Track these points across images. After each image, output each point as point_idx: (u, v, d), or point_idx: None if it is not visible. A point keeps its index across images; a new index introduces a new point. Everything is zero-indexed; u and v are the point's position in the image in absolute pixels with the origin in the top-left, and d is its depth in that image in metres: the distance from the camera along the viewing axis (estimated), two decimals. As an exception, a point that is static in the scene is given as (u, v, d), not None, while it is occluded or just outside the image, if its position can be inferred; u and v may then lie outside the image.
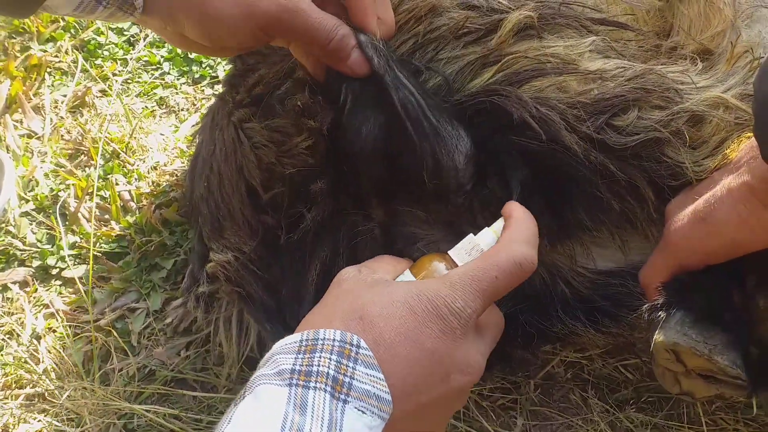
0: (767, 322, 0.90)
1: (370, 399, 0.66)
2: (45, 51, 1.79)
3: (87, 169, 1.58)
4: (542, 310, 1.04)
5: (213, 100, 1.60)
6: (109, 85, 1.74)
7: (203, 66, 1.80)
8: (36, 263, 1.44)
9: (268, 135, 0.99)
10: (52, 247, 1.46)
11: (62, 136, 1.64)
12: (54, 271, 1.44)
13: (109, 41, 1.84)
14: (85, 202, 1.50)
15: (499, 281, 0.76)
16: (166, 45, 1.85)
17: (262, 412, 0.63)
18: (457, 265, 0.82)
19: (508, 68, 0.95)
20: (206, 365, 1.29)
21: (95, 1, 0.80)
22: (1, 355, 1.31)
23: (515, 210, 0.85)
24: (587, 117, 0.92)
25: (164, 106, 1.74)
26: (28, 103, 1.68)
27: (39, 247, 1.46)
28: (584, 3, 1.06)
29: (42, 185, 1.54)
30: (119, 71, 1.79)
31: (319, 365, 0.66)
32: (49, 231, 1.49)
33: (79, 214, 1.48)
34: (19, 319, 1.36)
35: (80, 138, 1.63)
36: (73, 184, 1.54)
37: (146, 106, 1.72)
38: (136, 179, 1.57)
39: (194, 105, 1.73)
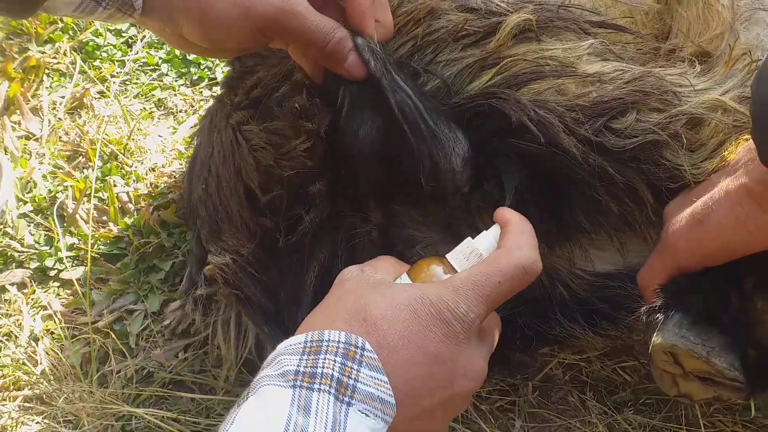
0: (765, 324, 0.90)
1: (374, 402, 0.66)
2: (43, 52, 1.79)
3: (85, 170, 1.58)
4: (541, 313, 1.04)
5: (211, 101, 1.60)
6: (107, 86, 1.74)
7: (202, 68, 1.80)
8: (34, 265, 1.44)
9: (266, 137, 0.99)
10: (50, 248, 1.46)
11: (60, 137, 1.64)
12: (52, 273, 1.43)
13: (108, 43, 1.84)
14: (83, 203, 1.50)
15: (503, 286, 0.76)
16: (164, 46, 1.85)
17: (266, 414, 0.63)
18: (454, 269, 0.82)
19: (507, 71, 0.95)
20: (204, 367, 1.29)
21: (94, 2, 0.80)
22: (-1, 356, 1.31)
23: (511, 215, 0.84)
24: (585, 120, 0.92)
25: (162, 108, 1.74)
26: (26, 104, 1.67)
27: (37, 249, 1.46)
28: (582, 6, 1.07)
29: (40, 187, 1.54)
30: (117, 73, 1.79)
31: (323, 367, 0.66)
32: (47, 232, 1.49)
33: (77, 216, 1.48)
34: (17, 320, 1.36)
35: (78, 139, 1.62)
36: (71, 186, 1.54)
37: (144, 108, 1.72)
38: (134, 181, 1.57)
39: (192, 107, 1.73)
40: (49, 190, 1.54)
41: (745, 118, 0.94)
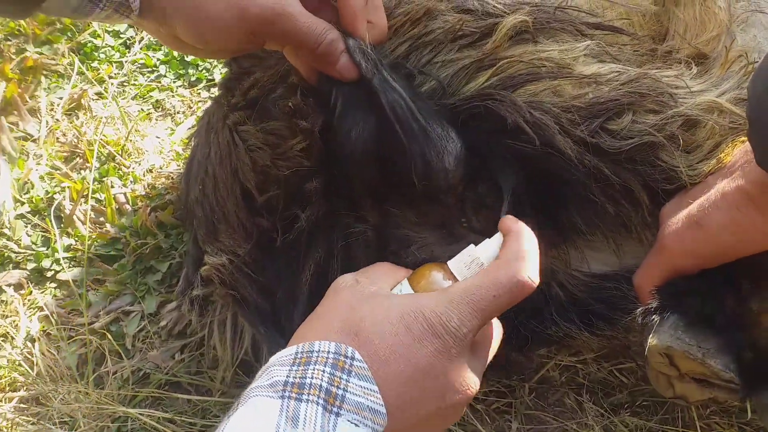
0: (761, 325, 0.90)
1: (363, 411, 0.66)
2: (41, 53, 1.79)
3: (82, 171, 1.58)
4: (537, 313, 1.04)
5: (209, 103, 1.60)
6: (105, 87, 1.74)
7: (200, 69, 1.80)
8: (31, 266, 1.44)
9: (263, 138, 0.99)
10: (47, 249, 1.46)
11: (58, 138, 1.64)
12: (49, 274, 1.43)
13: (106, 44, 1.84)
14: (80, 204, 1.50)
15: (499, 300, 0.75)
16: (162, 48, 1.85)
17: (255, 424, 0.63)
18: (455, 277, 0.82)
19: (503, 72, 0.95)
20: (201, 368, 1.29)
21: (92, 3, 0.81)
22: (-5, 357, 1.30)
23: (515, 225, 0.83)
24: (581, 121, 0.92)
25: (160, 109, 1.74)
26: (24, 105, 1.67)
27: (34, 250, 1.45)
28: (579, 7, 1.07)
29: (37, 188, 1.54)
30: (115, 74, 1.79)
31: (312, 377, 0.66)
32: (44, 233, 1.49)
33: (74, 217, 1.48)
34: (14, 321, 1.36)
35: (76, 140, 1.62)
36: (68, 187, 1.53)
37: (142, 109, 1.72)
38: (131, 182, 1.57)
39: (190, 108, 1.73)
40: (47, 191, 1.54)
41: (741, 120, 0.94)
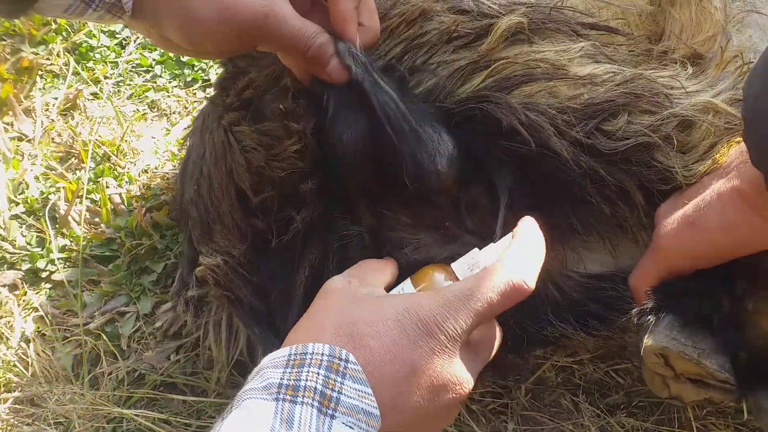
0: (756, 326, 0.90)
1: (357, 414, 0.66)
2: (36, 53, 1.79)
3: (77, 172, 1.58)
4: (532, 313, 1.04)
5: (205, 103, 1.60)
6: (100, 88, 1.74)
7: (195, 69, 1.80)
8: (25, 266, 1.43)
9: (257, 138, 0.99)
10: (41, 250, 1.45)
11: (53, 138, 1.63)
12: (43, 274, 1.43)
13: (101, 44, 1.84)
14: (75, 205, 1.50)
15: (494, 302, 0.75)
16: (158, 48, 1.85)
17: (249, 427, 0.63)
18: (457, 279, 0.82)
19: (498, 73, 0.95)
20: (196, 369, 1.29)
21: (84, 3, 0.81)
22: (-10, 358, 1.30)
23: (523, 228, 0.83)
24: (577, 122, 0.92)
25: (156, 109, 1.73)
26: (19, 105, 1.67)
27: (29, 250, 1.45)
28: (575, 7, 1.07)
29: (32, 188, 1.54)
30: (110, 74, 1.78)
31: (306, 380, 0.66)
32: (38, 234, 1.48)
33: (69, 217, 1.48)
34: (8, 322, 1.35)
35: (71, 141, 1.62)
36: (63, 187, 1.53)
37: (138, 109, 1.72)
38: (126, 182, 1.56)
39: (186, 108, 1.73)
40: (42, 191, 1.54)
41: (736, 120, 0.94)
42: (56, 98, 1.70)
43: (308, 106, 0.95)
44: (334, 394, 0.66)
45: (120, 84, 1.77)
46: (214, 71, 1.77)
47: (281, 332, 1.00)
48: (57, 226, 1.48)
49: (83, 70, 1.77)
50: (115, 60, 1.81)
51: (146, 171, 1.58)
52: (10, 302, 1.38)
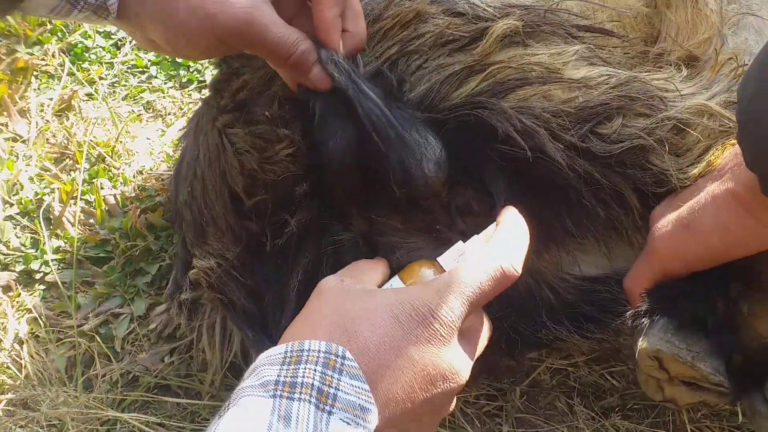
0: (751, 328, 0.90)
1: (355, 410, 0.66)
2: (32, 54, 1.78)
3: (72, 173, 1.57)
4: (527, 316, 1.04)
5: (200, 104, 1.59)
6: (95, 88, 1.73)
7: (191, 70, 1.79)
8: (19, 267, 1.43)
9: (250, 141, 0.99)
10: (35, 251, 1.45)
11: (48, 139, 1.63)
12: (37, 276, 1.42)
13: (97, 45, 1.83)
14: (70, 206, 1.49)
15: (484, 287, 0.76)
16: (152, 49, 1.84)
17: (246, 424, 0.62)
18: (445, 271, 0.82)
19: (493, 77, 0.95)
20: (190, 371, 1.28)
21: (70, 5, 0.81)
22: (-17, 360, 1.30)
23: (507, 215, 0.85)
24: (571, 126, 0.92)
25: (151, 110, 1.73)
26: (14, 106, 1.66)
27: (23, 252, 1.45)
28: (570, 10, 1.06)
29: (26, 189, 1.53)
30: (106, 75, 1.78)
31: (303, 376, 0.66)
32: (33, 235, 1.48)
33: (64, 219, 1.47)
34: (2, 323, 1.35)
35: (66, 142, 1.62)
36: (57, 188, 1.53)
37: (133, 110, 1.71)
38: (121, 183, 1.56)
39: (181, 109, 1.73)
40: (36, 192, 1.53)
41: (731, 122, 0.94)
42: (51, 99, 1.70)
43: (295, 112, 0.95)
44: (332, 391, 0.66)
45: (115, 85, 1.77)
46: (210, 72, 1.77)
47: (274, 336, 1.00)
48: (51, 227, 1.48)
49: (78, 70, 1.77)
50: (111, 61, 1.81)
51: (141, 172, 1.58)
52: (3, 304, 1.37)
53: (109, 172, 1.57)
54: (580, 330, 1.04)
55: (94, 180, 1.55)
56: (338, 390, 0.66)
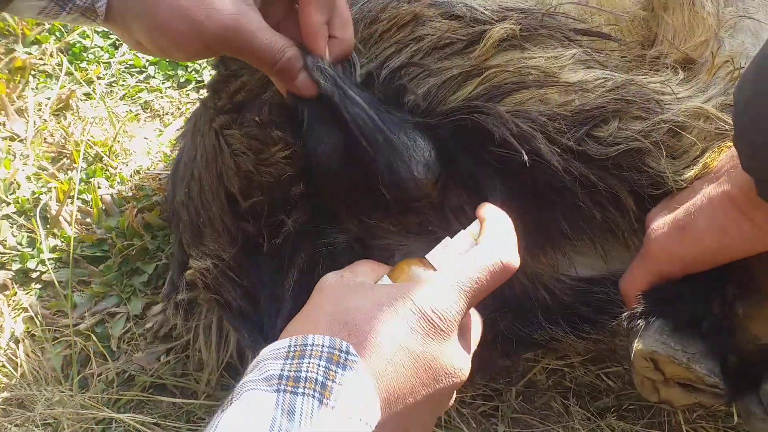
0: (746, 330, 0.90)
1: (357, 405, 0.66)
2: (30, 53, 1.78)
3: (69, 172, 1.57)
4: (523, 316, 1.04)
5: (198, 104, 1.59)
6: (93, 88, 1.73)
7: (189, 70, 1.79)
8: (16, 266, 1.43)
9: (246, 143, 0.99)
10: (32, 250, 1.45)
11: (45, 139, 1.63)
12: (34, 275, 1.42)
13: (95, 44, 1.83)
14: (67, 205, 1.49)
15: (482, 282, 0.76)
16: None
17: (250, 418, 0.62)
18: (434, 269, 0.82)
19: (489, 81, 0.95)
20: (186, 371, 1.28)
21: (58, 6, 0.81)
22: (-21, 359, 1.29)
23: (491, 211, 0.85)
24: (568, 129, 0.92)
25: (149, 110, 1.73)
26: (12, 105, 1.66)
27: (19, 251, 1.44)
28: (568, 13, 1.06)
29: (24, 188, 1.53)
30: (103, 75, 1.78)
31: (307, 371, 0.66)
32: (29, 234, 1.48)
33: (61, 218, 1.47)
34: (-2, 323, 1.35)
35: (63, 141, 1.61)
36: (54, 188, 1.53)
37: (131, 110, 1.71)
38: (118, 183, 1.56)
39: (179, 109, 1.73)
40: (33, 191, 1.53)
41: (727, 125, 0.94)
42: (49, 98, 1.70)
43: (285, 117, 0.95)
44: (335, 386, 0.66)
45: (113, 84, 1.77)
46: (208, 72, 1.77)
47: (270, 336, 1.00)
48: (48, 226, 1.48)
49: (76, 70, 1.77)
50: (109, 60, 1.81)
51: (138, 172, 1.58)
52: (0, 302, 1.37)
53: (107, 172, 1.57)
54: (576, 331, 1.04)
55: (91, 179, 1.55)
56: (342, 385, 0.66)
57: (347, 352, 0.68)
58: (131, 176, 1.57)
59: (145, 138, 1.65)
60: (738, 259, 0.86)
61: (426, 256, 0.84)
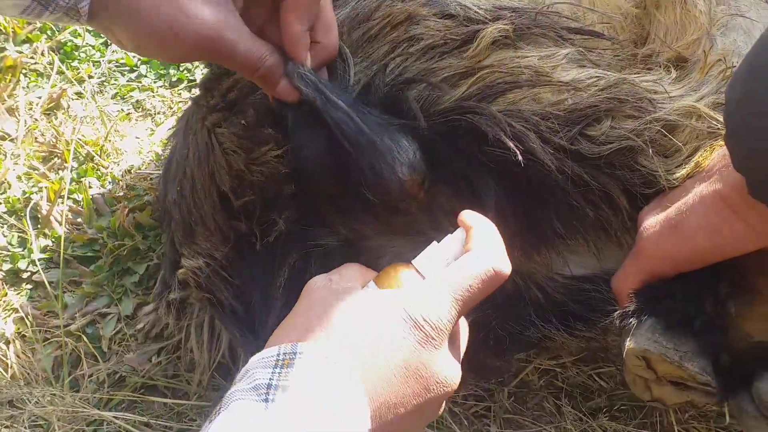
0: (739, 329, 0.90)
1: (349, 414, 0.66)
2: (21, 52, 1.77)
3: (60, 171, 1.56)
4: (515, 315, 1.04)
5: (190, 103, 1.59)
6: (84, 87, 1.72)
7: (181, 69, 1.79)
8: (6, 267, 1.42)
9: (237, 141, 0.99)
10: (23, 250, 1.44)
11: (36, 138, 1.62)
12: (24, 275, 1.41)
13: (86, 43, 1.82)
14: (58, 205, 1.48)
15: (474, 290, 0.76)
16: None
17: (238, 428, 0.62)
18: (421, 275, 0.81)
19: (482, 81, 0.95)
20: (177, 371, 1.28)
21: (41, 6, 0.80)
22: (-31, 360, 1.29)
23: (475, 219, 0.84)
24: (560, 128, 0.92)
25: (140, 109, 1.72)
26: (2, 104, 1.65)
27: (9, 251, 1.44)
28: (560, 12, 1.06)
29: (14, 188, 1.52)
30: (95, 73, 1.77)
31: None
32: (20, 234, 1.47)
33: (51, 218, 1.46)
34: (-12, 323, 1.34)
35: (54, 140, 1.61)
36: (45, 187, 1.52)
37: (122, 109, 1.70)
38: (110, 182, 1.55)
39: (171, 108, 1.72)
40: (24, 191, 1.52)
41: (719, 124, 0.94)
42: (40, 97, 1.69)
43: (275, 117, 0.95)
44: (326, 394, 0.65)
45: (104, 83, 1.76)
46: (200, 71, 1.76)
47: (261, 335, 0.99)
48: (39, 226, 1.47)
49: (68, 69, 1.76)
50: (100, 59, 1.80)
51: (130, 171, 1.57)
52: (-11, 303, 1.36)
53: (98, 171, 1.57)
54: (569, 328, 1.04)
55: (82, 179, 1.54)
56: (332, 394, 0.66)
57: (335, 362, 0.68)
58: (122, 176, 1.56)
59: (137, 137, 1.65)
60: (730, 257, 0.86)
61: (413, 262, 0.83)
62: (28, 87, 1.72)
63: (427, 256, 0.82)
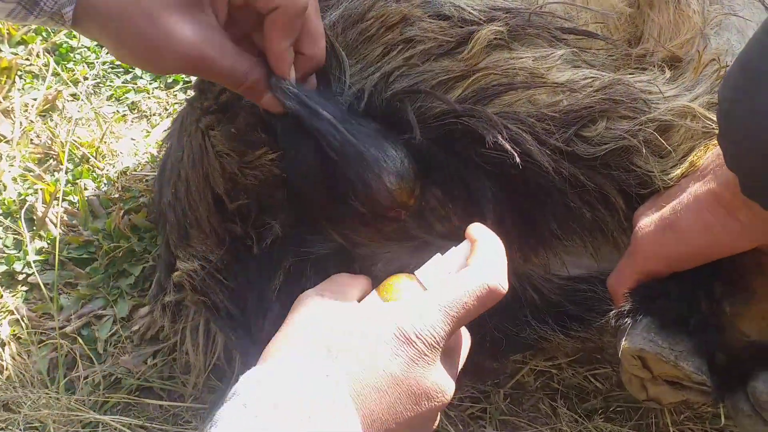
0: (734, 328, 0.90)
1: None
2: (16, 54, 1.77)
3: (56, 173, 1.56)
4: (511, 316, 1.04)
5: (185, 105, 1.59)
6: (80, 88, 1.72)
7: (176, 71, 1.78)
8: (2, 269, 1.42)
9: (229, 144, 0.98)
10: (18, 252, 1.44)
11: (31, 140, 1.62)
12: (20, 277, 1.41)
13: (82, 45, 1.82)
14: (53, 206, 1.48)
15: (469, 306, 0.75)
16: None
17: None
18: (423, 286, 0.81)
19: (477, 83, 0.94)
20: (173, 374, 1.28)
21: (26, 10, 0.80)
22: (-36, 362, 1.28)
23: (482, 232, 0.83)
24: (556, 130, 0.92)
25: (136, 111, 1.72)
26: (-3, 106, 1.65)
27: (5, 253, 1.43)
28: (554, 12, 1.06)
29: (10, 190, 1.52)
30: (90, 75, 1.77)
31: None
32: (15, 236, 1.46)
33: (47, 219, 1.46)
34: (-17, 325, 1.33)
35: (49, 142, 1.60)
36: (41, 189, 1.51)
37: (117, 111, 1.70)
38: (105, 184, 1.55)
39: (166, 110, 1.72)
40: (19, 193, 1.52)
41: (713, 124, 0.94)
42: (35, 99, 1.68)
43: (261, 125, 0.95)
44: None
45: (100, 85, 1.76)
46: (195, 73, 1.76)
47: (256, 338, 0.99)
48: (34, 228, 1.47)
49: (63, 70, 1.76)
50: (95, 61, 1.80)
51: (125, 173, 1.57)
52: (-15, 305, 1.36)
53: (93, 173, 1.56)
54: (565, 329, 1.04)
55: (77, 181, 1.54)
56: (323, 415, 0.65)
57: (327, 376, 0.68)
58: (118, 177, 1.56)
59: (132, 139, 1.64)
60: (725, 256, 0.86)
61: (415, 273, 0.83)
62: (23, 89, 1.72)
63: (432, 268, 0.82)
